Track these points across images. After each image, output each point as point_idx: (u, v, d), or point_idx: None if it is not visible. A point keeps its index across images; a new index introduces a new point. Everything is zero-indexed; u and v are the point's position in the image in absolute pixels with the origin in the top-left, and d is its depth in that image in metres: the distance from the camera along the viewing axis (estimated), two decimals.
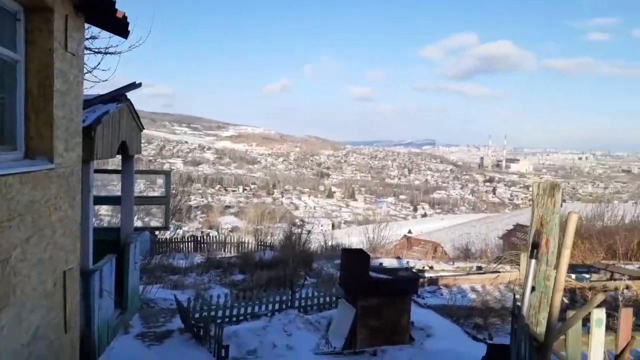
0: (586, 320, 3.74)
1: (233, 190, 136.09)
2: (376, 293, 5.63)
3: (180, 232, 23.92)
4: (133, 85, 6.14)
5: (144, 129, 7.30)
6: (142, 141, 7.39)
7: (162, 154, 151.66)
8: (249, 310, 7.49)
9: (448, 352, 5.35)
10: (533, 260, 3.83)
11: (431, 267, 12.09)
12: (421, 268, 11.80)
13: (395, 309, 5.67)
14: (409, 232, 40.79)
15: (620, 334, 3.81)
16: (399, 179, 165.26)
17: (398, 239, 26.52)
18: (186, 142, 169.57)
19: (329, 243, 20.77)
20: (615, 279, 9.13)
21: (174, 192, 22.41)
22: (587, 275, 10.04)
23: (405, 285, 5.80)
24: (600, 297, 2.97)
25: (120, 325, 6.49)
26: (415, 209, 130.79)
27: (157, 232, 17.34)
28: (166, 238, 19.57)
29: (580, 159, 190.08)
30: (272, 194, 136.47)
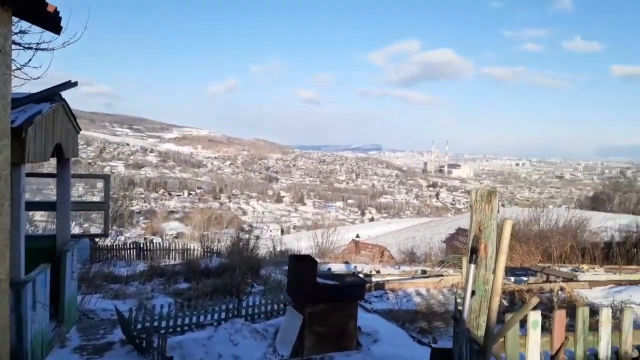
0: (524, 322, 3.91)
1: (178, 195, 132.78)
2: (323, 299, 5.64)
3: (121, 238, 23.05)
4: (68, 84, 5.83)
5: (80, 130, 6.96)
6: (81, 142, 7.08)
7: (102, 157, 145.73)
8: (194, 319, 7.30)
9: (394, 357, 5.43)
10: (472, 265, 3.96)
11: (378, 272, 12.28)
12: (368, 272, 11.97)
13: (343, 315, 5.70)
14: (357, 236, 41.28)
15: (554, 334, 4.01)
16: (347, 183, 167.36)
17: (346, 244, 26.79)
18: (128, 144, 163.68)
19: (278, 249, 20.67)
20: (550, 281, 9.62)
21: (114, 196, 21.58)
22: (525, 278, 10.53)
23: (352, 290, 5.85)
24: (535, 301, 3.11)
25: (56, 338, 6.14)
26: (363, 214, 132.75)
27: (96, 239, 16.61)
28: (107, 245, 18.79)
29: (517, 165, 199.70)
30: (219, 199, 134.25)
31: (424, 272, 11.94)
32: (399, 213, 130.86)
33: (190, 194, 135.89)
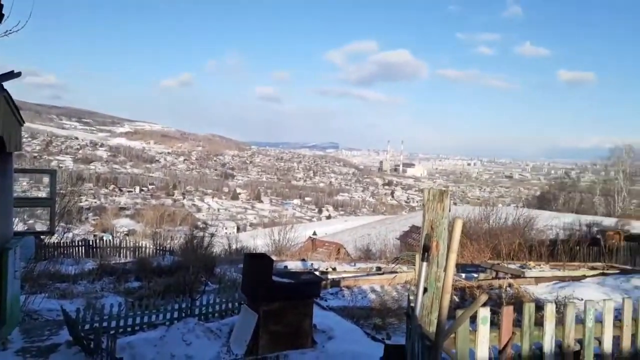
0: (474, 318, 4.03)
1: (129, 191, 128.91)
2: (279, 297, 5.61)
3: (69, 235, 22.18)
4: (11, 75, 5.51)
5: (24, 122, 6.62)
6: (25, 136, 6.74)
7: (48, 150, 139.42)
8: (146, 319, 7.10)
9: (348, 354, 5.47)
10: (424, 263, 4.04)
11: (334, 269, 12.36)
12: (325, 270, 12.01)
13: (298, 313, 5.69)
14: (314, 234, 41.44)
15: (502, 330, 4.15)
16: (305, 181, 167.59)
17: (303, 241, 26.84)
18: (76, 138, 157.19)
19: (234, 246, 20.46)
20: (499, 278, 9.97)
21: (61, 192, 20.73)
22: (475, 275, 10.86)
23: (308, 288, 5.85)
24: (484, 298, 3.21)
25: None
26: (320, 211, 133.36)
27: (42, 237, 15.89)
28: (53, 242, 18.02)
29: (469, 164, 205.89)
30: (173, 195, 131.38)
31: (378, 269, 12.11)
32: (356, 211, 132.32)
33: (142, 190, 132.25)
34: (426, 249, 4.31)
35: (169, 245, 18.75)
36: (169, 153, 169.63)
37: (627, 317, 4.66)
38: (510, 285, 8.54)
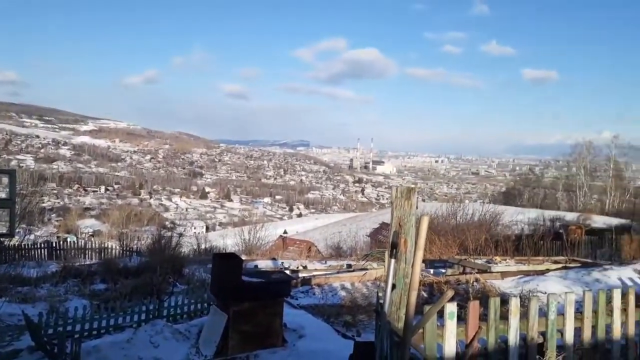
0: (442, 313, 4.10)
1: (94, 191, 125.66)
2: (248, 297, 5.57)
3: (31, 237, 21.48)
4: None
5: None
6: None
7: (7, 149, 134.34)
8: (112, 322, 6.94)
9: (319, 352, 5.48)
10: (393, 260, 4.09)
11: (305, 267, 12.35)
12: (295, 268, 12.00)
13: (268, 312, 5.66)
14: (285, 232, 41.33)
15: (469, 324, 4.23)
16: (275, 179, 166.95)
17: (274, 240, 26.72)
18: (37, 137, 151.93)
19: (203, 246, 20.20)
20: (466, 273, 10.16)
21: (22, 192, 20.07)
22: (443, 270, 11.05)
23: (278, 287, 5.83)
24: (450, 293, 3.26)
25: None
26: (291, 209, 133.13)
27: (1, 239, 15.32)
28: (14, 245, 17.43)
29: (436, 161, 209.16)
30: (139, 195, 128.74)
31: (349, 266, 12.18)
32: (327, 209, 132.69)
33: (108, 189, 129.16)
34: (394, 246, 4.36)
35: (136, 246, 18.38)
36: (135, 151, 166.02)
37: (588, 309, 4.82)
38: (477, 280, 8.72)
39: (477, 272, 9.69)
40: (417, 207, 4.67)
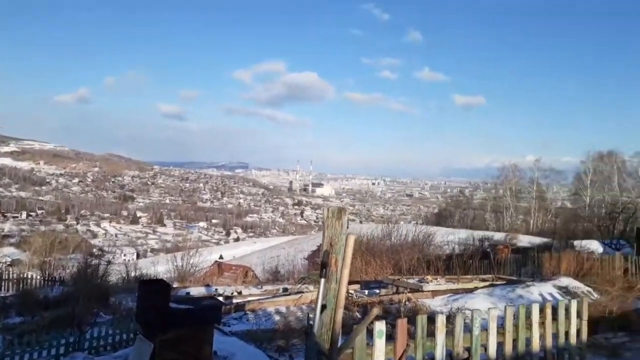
0: (372, 333, 4.13)
1: (14, 217, 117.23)
2: (176, 325, 5.34)
3: None
4: None
5: None
6: None
7: None
8: (27, 357, 6.42)
9: None
10: (323, 280, 4.08)
11: (239, 293, 12.07)
12: (230, 294, 11.71)
13: (197, 340, 5.44)
14: (221, 257, 40.41)
15: (397, 342, 4.29)
16: (212, 202, 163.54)
17: (209, 266, 25.99)
18: None
19: (132, 274, 19.25)
20: (399, 292, 10.34)
21: None
22: (377, 290, 11.18)
23: (207, 313, 5.62)
24: (375, 311, 3.30)
25: None
26: (228, 234, 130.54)
27: None
28: None
29: (373, 184, 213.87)
30: (65, 221, 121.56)
31: (285, 290, 12.05)
32: (265, 232, 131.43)
33: (30, 215, 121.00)
34: (324, 266, 4.36)
35: (59, 275, 17.25)
36: (61, 174, 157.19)
37: (509, 324, 5.04)
38: (409, 299, 8.90)
39: (409, 292, 9.89)
40: (347, 227, 4.73)
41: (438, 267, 14.23)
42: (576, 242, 27.77)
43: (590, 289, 10.12)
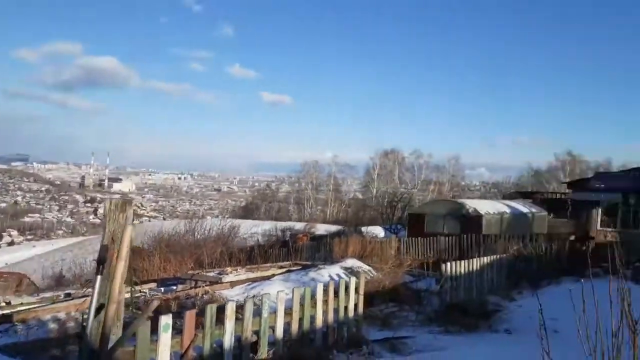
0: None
1: None
2: None
3: None
4: None
5: None
6: None
7: None
8: None
9: None
10: (99, 277, 3.70)
11: (8, 303, 10.34)
12: None
13: None
14: None
15: (185, 334, 4.15)
16: None
17: None
18: None
19: None
20: (198, 286, 10.12)
21: None
22: (174, 287, 10.76)
23: None
24: (155, 303, 3.12)
25: None
26: (0, 237, 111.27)
27: None
28: None
29: (179, 178, 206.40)
30: None
31: (68, 295, 10.74)
32: (49, 233, 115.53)
33: None
34: (102, 262, 3.97)
35: None
36: None
37: (296, 304, 5.32)
38: (206, 292, 8.78)
39: (208, 285, 9.76)
40: (133, 220, 4.41)
41: (240, 259, 14.43)
42: (363, 228, 31.34)
43: (370, 268, 11.42)
